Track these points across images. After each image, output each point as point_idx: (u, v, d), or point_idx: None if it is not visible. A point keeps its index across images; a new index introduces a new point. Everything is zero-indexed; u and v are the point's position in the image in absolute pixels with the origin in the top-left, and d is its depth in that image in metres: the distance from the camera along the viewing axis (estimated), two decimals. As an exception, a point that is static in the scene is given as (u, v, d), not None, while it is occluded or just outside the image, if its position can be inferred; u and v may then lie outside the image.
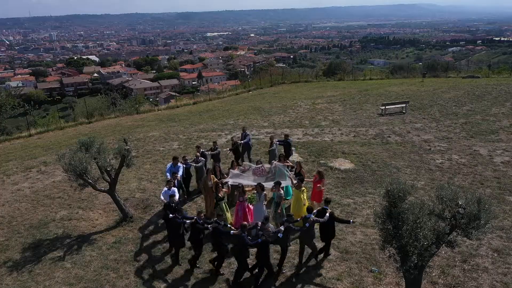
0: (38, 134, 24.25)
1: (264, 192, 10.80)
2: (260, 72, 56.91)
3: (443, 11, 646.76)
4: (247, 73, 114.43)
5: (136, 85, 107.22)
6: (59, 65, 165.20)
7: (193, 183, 13.67)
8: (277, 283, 8.93)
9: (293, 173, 12.02)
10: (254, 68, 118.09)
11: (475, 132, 18.58)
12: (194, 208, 12.39)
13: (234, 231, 8.89)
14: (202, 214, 9.66)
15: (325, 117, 22.86)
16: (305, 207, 10.48)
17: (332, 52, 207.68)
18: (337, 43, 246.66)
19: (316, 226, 9.49)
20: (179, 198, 11.06)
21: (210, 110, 27.57)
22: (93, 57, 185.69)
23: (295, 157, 16.08)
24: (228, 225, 9.90)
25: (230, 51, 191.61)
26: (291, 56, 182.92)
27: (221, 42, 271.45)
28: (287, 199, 11.90)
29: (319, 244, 9.68)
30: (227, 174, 12.34)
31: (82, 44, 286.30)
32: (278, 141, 14.77)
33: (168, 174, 12.09)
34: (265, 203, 10.91)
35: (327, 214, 9.25)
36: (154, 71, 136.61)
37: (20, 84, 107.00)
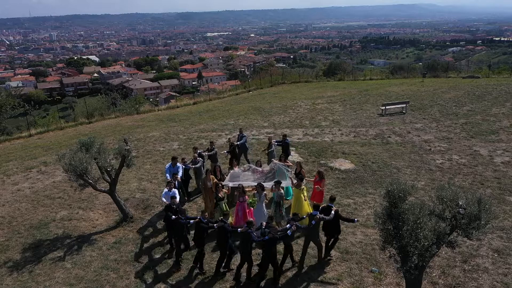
0: (38, 134, 24.24)
1: (264, 192, 10.81)
2: (260, 72, 56.89)
3: (443, 11, 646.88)
4: (247, 73, 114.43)
5: (136, 85, 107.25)
6: (59, 65, 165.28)
7: (192, 183, 13.67)
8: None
9: (292, 171, 12.03)
10: (254, 68, 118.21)
11: (476, 132, 18.58)
12: (194, 208, 12.40)
13: (241, 228, 8.90)
14: (206, 214, 9.67)
15: (325, 117, 22.86)
16: (306, 202, 10.52)
17: (332, 52, 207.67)
18: (337, 43, 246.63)
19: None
20: (180, 199, 11.04)
21: (210, 110, 27.57)
22: (93, 57, 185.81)
23: (295, 157, 16.10)
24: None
25: (230, 51, 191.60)
26: (291, 56, 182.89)
27: (221, 42, 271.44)
28: (288, 199, 11.91)
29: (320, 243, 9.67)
30: (227, 175, 12.34)
31: (82, 44, 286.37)
32: (276, 141, 14.76)
33: (167, 174, 12.05)
34: (266, 202, 10.92)
35: (333, 212, 9.30)
36: (154, 71, 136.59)
37: (20, 84, 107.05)
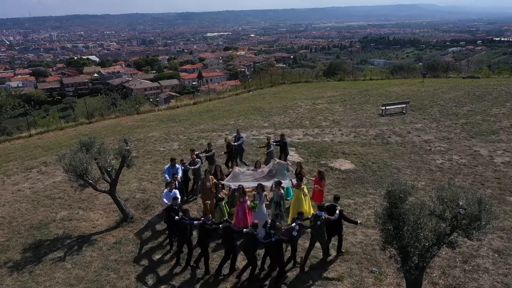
0: (38, 135, 24.24)
1: (265, 193, 10.80)
2: (260, 72, 56.84)
3: (443, 11, 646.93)
4: (247, 73, 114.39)
5: (136, 85, 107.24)
6: (59, 65, 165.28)
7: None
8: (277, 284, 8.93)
9: (292, 171, 12.04)
10: (254, 68, 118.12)
11: (476, 132, 18.58)
12: (194, 209, 12.39)
13: (247, 230, 8.88)
14: (210, 216, 9.65)
15: (326, 117, 22.86)
16: (308, 201, 10.52)
17: (332, 52, 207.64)
18: (337, 43, 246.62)
19: None
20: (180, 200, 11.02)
21: (210, 110, 27.57)
22: (93, 57, 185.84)
23: (295, 157, 16.10)
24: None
25: (230, 51, 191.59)
26: (291, 56, 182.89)
27: (221, 42, 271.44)
28: (288, 199, 11.91)
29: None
30: (227, 175, 12.33)
31: (82, 44, 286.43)
32: (274, 141, 14.75)
33: (166, 176, 11.97)
34: (266, 203, 10.92)
35: (337, 212, 9.33)
36: (154, 71, 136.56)
37: (20, 84, 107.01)
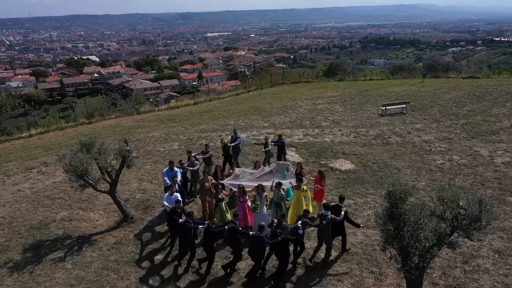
0: (39, 135, 24.24)
1: (265, 193, 10.80)
2: (260, 72, 56.84)
3: (443, 12, 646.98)
4: (247, 73, 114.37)
5: (136, 86, 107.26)
6: (59, 65, 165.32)
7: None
8: (267, 284, 8.92)
9: (292, 172, 12.03)
10: (254, 68, 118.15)
11: (476, 132, 18.57)
12: (194, 209, 12.37)
13: (253, 232, 8.87)
14: (215, 219, 9.62)
15: (326, 117, 22.86)
16: (309, 202, 10.52)
17: (332, 53, 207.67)
18: (337, 43, 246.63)
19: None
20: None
21: (210, 110, 27.57)
22: (93, 57, 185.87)
23: (295, 157, 16.10)
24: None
25: (230, 51, 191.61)
26: (291, 57, 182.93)
27: (221, 42, 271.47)
28: (288, 200, 11.90)
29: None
30: (228, 176, 12.31)
31: (82, 44, 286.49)
32: (272, 141, 14.71)
33: (166, 179, 11.83)
34: (266, 203, 10.91)
35: (342, 213, 9.38)
36: (154, 71, 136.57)
37: (20, 84, 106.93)
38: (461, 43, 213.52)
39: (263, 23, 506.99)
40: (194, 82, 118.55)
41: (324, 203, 9.68)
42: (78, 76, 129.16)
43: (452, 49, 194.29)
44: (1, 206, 13.53)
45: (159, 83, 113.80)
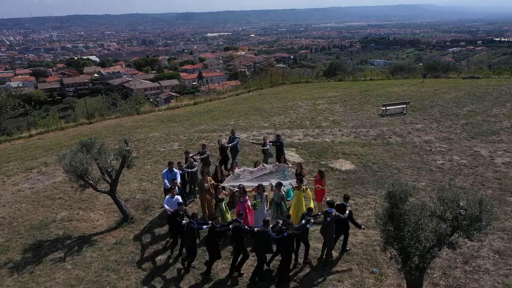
0: (39, 135, 24.25)
1: (265, 193, 10.79)
2: (261, 72, 56.84)
3: (443, 12, 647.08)
4: (247, 73, 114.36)
5: (136, 86, 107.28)
6: (60, 65, 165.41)
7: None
8: (277, 284, 8.92)
9: (292, 172, 12.02)
10: (255, 68, 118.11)
11: (476, 133, 18.57)
12: (194, 209, 12.36)
13: (258, 228, 8.84)
14: (219, 218, 9.61)
15: (326, 117, 22.85)
16: (310, 204, 10.53)
17: (332, 53, 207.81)
18: (337, 43, 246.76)
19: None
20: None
21: (210, 110, 27.57)
22: (93, 58, 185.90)
23: (295, 158, 16.10)
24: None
25: (230, 51, 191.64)
26: (292, 57, 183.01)
27: (221, 43, 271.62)
28: (288, 200, 11.90)
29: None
30: (227, 176, 12.30)
31: (83, 44, 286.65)
32: (270, 142, 14.69)
33: (166, 181, 11.69)
34: (267, 205, 10.89)
35: (347, 212, 9.41)
36: (154, 72, 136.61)
37: (20, 85, 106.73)
38: (461, 43, 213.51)
39: (263, 23, 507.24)
40: (194, 82, 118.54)
41: (328, 201, 9.72)
42: (78, 76, 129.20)
43: (452, 49, 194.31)
44: (1, 206, 13.53)
45: (159, 83, 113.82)
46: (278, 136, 14.89)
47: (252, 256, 9.54)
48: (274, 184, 11.00)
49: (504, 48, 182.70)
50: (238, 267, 9.21)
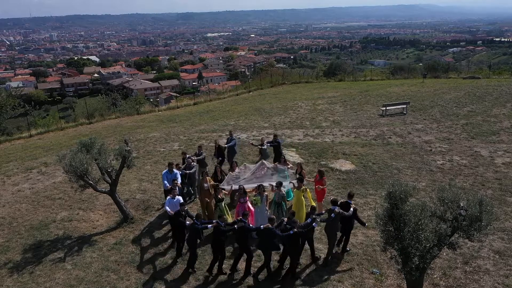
0: (39, 135, 24.25)
1: (266, 193, 10.79)
2: (261, 72, 56.85)
3: (443, 12, 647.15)
4: (247, 73, 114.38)
5: (136, 86, 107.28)
6: (60, 65, 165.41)
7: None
8: (278, 284, 8.92)
9: (292, 173, 12.02)
10: (255, 68, 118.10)
11: (476, 133, 18.56)
12: (194, 210, 12.36)
13: (264, 225, 8.83)
14: (225, 216, 9.59)
15: (326, 118, 22.85)
16: (310, 206, 10.53)
17: (332, 53, 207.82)
18: (337, 43, 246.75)
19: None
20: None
21: (210, 110, 27.56)
22: (93, 58, 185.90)
23: (295, 158, 16.09)
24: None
25: (230, 51, 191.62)
26: (292, 57, 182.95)
27: (221, 43, 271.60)
28: (288, 200, 11.89)
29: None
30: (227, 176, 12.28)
31: (83, 44, 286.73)
32: (268, 142, 14.65)
33: (166, 182, 11.61)
34: (267, 205, 10.88)
35: (351, 209, 9.45)
36: (154, 72, 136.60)
37: (20, 85, 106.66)
38: (461, 43, 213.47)
39: (263, 23, 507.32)
40: (194, 82, 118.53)
41: (332, 199, 9.76)
42: (78, 76, 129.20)
43: (452, 49, 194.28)
44: (1, 206, 13.52)
45: (159, 83, 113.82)
46: (275, 136, 14.85)
47: (257, 254, 9.55)
48: (274, 184, 10.99)
49: (504, 48, 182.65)
50: (247, 269, 9.17)
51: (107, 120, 27.43)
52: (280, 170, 12.09)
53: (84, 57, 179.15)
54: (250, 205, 10.75)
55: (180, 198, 10.67)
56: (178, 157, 15.53)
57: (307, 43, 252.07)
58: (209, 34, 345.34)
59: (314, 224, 8.92)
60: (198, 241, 9.51)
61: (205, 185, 11.45)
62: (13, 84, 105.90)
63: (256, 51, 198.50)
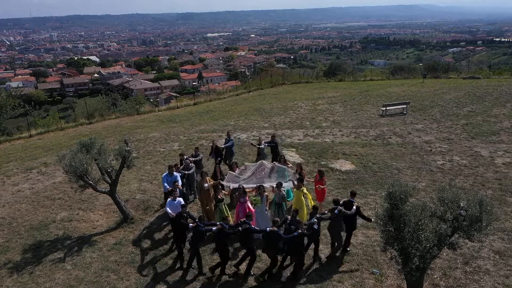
0: (39, 135, 24.25)
1: (266, 194, 10.78)
2: (261, 72, 56.86)
3: (443, 12, 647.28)
4: (247, 73, 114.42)
5: (136, 86, 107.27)
6: (60, 65, 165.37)
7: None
8: (278, 285, 8.92)
9: (293, 171, 12.02)
10: (255, 68, 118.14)
11: (476, 133, 18.55)
12: (194, 210, 12.37)
13: (270, 228, 8.81)
14: (229, 218, 9.58)
15: (326, 118, 22.84)
16: (311, 205, 10.55)
17: (332, 53, 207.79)
18: (337, 43, 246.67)
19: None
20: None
21: (210, 110, 27.56)
22: (93, 58, 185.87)
23: (295, 158, 16.09)
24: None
25: (230, 51, 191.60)
26: (292, 57, 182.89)
27: (221, 43, 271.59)
28: (289, 200, 11.88)
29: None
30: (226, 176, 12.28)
31: (83, 44, 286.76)
32: (265, 142, 14.64)
33: (166, 184, 11.53)
34: (267, 205, 10.87)
35: (354, 207, 9.45)
36: (154, 72, 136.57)
37: (20, 85, 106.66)
38: (461, 43, 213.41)
39: (263, 23, 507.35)
40: (194, 82, 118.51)
41: (334, 199, 9.79)
42: (78, 76, 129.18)
43: (452, 49, 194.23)
44: (1, 206, 13.52)
45: (159, 83, 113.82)
46: (273, 136, 14.83)
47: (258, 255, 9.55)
48: (275, 185, 10.98)
49: (504, 48, 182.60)
50: (248, 270, 9.17)
51: (107, 120, 27.43)
52: (280, 169, 12.09)
53: (84, 57, 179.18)
54: (250, 205, 10.74)
55: (181, 200, 10.59)
56: (178, 158, 15.51)
57: (307, 43, 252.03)
58: (209, 34, 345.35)
59: (315, 226, 8.90)
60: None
61: (205, 185, 11.43)
62: (13, 84, 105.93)
63: (256, 51, 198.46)
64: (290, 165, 12.81)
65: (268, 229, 8.79)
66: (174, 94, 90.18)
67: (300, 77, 42.08)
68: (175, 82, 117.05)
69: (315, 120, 22.36)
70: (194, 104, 32.03)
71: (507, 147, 16.63)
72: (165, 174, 11.89)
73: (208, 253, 10.04)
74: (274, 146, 14.46)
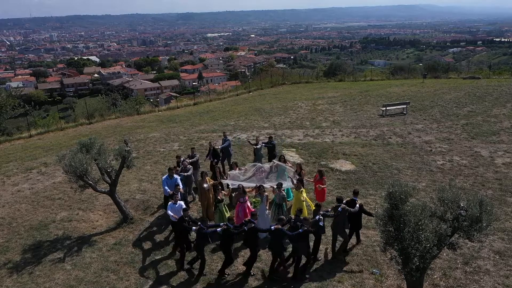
0: (39, 135, 24.24)
1: (266, 194, 10.77)
2: (261, 72, 56.82)
3: (443, 12, 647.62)
4: (247, 73, 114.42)
5: (136, 86, 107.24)
6: (60, 65, 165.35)
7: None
8: (278, 285, 8.91)
9: (293, 171, 12.01)
10: (255, 68, 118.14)
11: (476, 133, 18.54)
12: (194, 210, 12.36)
13: (275, 226, 8.81)
14: (234, 218, 9.57)
15: (326, 118, 22.83)
16: (312, 206, 10.55)
17: (332, 53, 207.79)
18: (337, 43, 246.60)
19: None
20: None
21: (210, 111, 27.56)
22: (93, 58, 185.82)
23: (295, 158, 16.08)
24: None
25: (230, 51, 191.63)
26: (292, 57, 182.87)
27: (221, 43, 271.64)
28: (288, 200, 11.88)
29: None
30: (227, 176, 12.27)
31: (83, 44, 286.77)
32: (263, 143, 14.61)
33: (166, 188, 11.44)
34: (267, 205, 10.86)
35: (357, 205, 9.49)
36: (154, 72, 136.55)
37: (20, 85, 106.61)
38: (461, 43, 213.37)
39: (263, 23, 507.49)
40: (194, 82, 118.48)
41: (337, 196, 9.83)
42: (78, 76, 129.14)
43: (452, 49, 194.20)
44: (1, 206, 13.51)
45: (159, 83, 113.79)
46: (270, 137, 14.78)
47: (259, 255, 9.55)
48: (275, 186, 10.96)
49: (504, 48, 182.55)
50: (248, 270, 9.19)
51: (107, 120, 27.42)
52: (280, 168, 12.10)
53: (84, 57, 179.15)
54: (249, 205, 10.73)
55: (182, 203, 10.49)
56: (177, 158, 15.48)
57: (307, 43, 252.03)
58: (209, 34, 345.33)
59: (320, 223, 8.97)
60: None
61: (205, 185, 11.42)
62: (13, 84, 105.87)
63: (256, 51, 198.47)
64: (290, 165, 12.80)
65: (273, 227, 8.80)
66: (174, 94, 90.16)
67: (300, 77, 42.07)
68: (175, 82, 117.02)
69: (315, 120, 22.35)
70: (194, 104, 32.03)
71: (507, 147, 16.63)
72: (165, 177, 11.74)
73: (208, 254, 10.02)
74: (271, 147, 14.41)
